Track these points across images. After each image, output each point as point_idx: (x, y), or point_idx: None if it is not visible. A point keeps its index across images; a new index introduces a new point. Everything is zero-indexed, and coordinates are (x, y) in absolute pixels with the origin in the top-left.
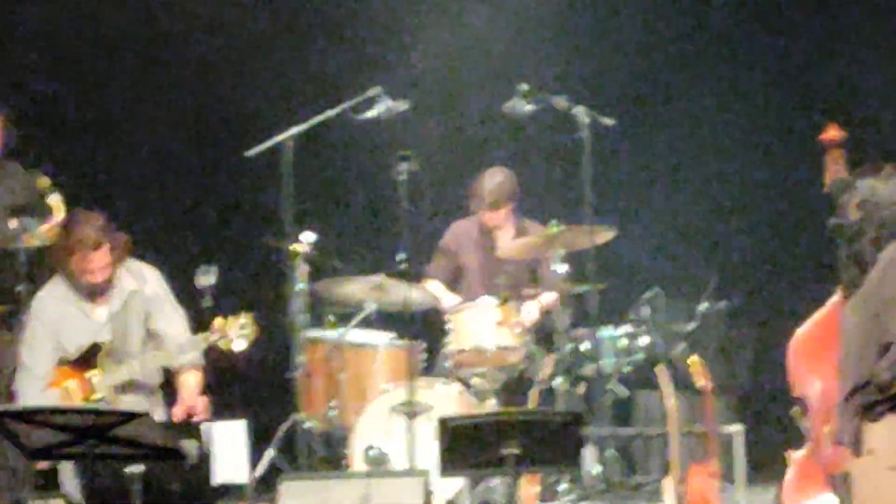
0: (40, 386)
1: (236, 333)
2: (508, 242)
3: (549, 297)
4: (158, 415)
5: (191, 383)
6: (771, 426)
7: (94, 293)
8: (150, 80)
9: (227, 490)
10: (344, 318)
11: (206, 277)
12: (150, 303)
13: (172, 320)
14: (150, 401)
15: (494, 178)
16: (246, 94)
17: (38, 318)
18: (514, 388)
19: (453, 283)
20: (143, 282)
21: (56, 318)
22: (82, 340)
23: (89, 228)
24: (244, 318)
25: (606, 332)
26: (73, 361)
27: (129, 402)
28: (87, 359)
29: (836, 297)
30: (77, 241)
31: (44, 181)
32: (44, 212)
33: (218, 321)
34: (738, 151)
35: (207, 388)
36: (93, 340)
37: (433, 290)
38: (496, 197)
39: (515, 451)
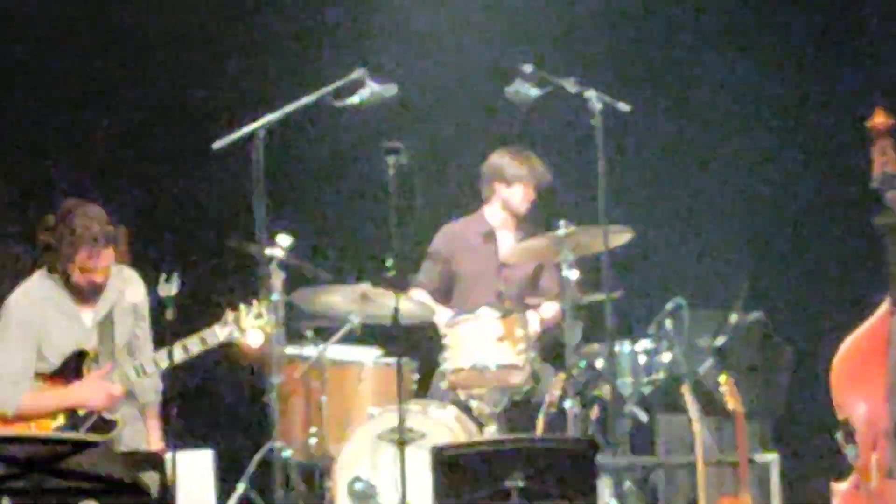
0: (12, 392)
1: (251, 324)
2: (511, 246)
3: (550, 309)
4: (140, 429)
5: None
6: (811, 454)
7: (86, 295)
8: (106, 62)
9: None
10: (325, 333)
11: (168, 286)
12: (138, 310)
13: (147, 337)
14: (140, 413)
15: (531, 156)
16: (213, 77)
17: (14, 318)
18: (519, 411)
19: (445, 293)
20: (133, 287)
21: (37, 320)
22: (67, 347)
23: (97, 223)
24: (258, 307)
25: (623, 347)
26: (52, 374)
27: (123, 415)
28: (71, 369)
29: (884, 307)
30: (88, 236)
31: None
32: None
33: (230, 313)
34: (773, 141)
35: (171, 413)
36: (78, 347)
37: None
38: (542, 174)
39: (520, 483)
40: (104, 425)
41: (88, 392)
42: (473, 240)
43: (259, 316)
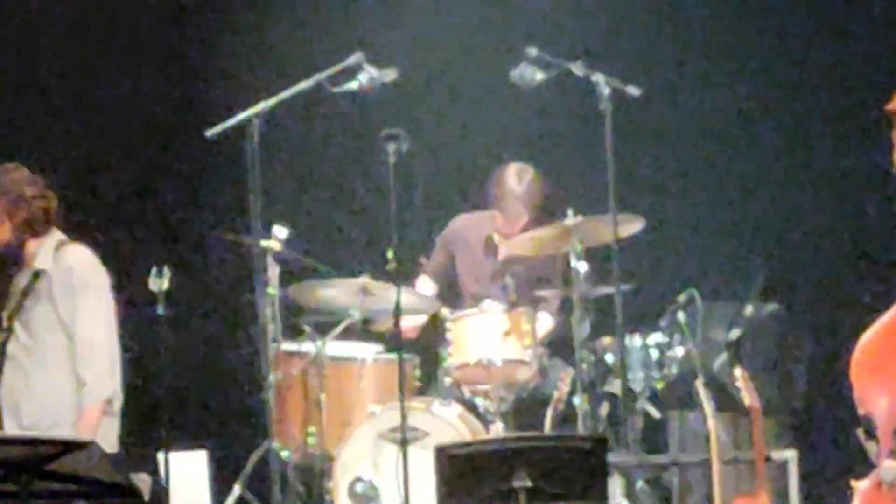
0: None
1: None
2: (516, 237)
3: (546, 323)
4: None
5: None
6: (830, 451)
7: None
8: (93, 46)
9: None
10: (323, 328)
11: (160, 280)
12: (65, 291)
13: (92, 326)
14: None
15: (523, 180)
16: (205, 62)
17: None
18: (526, 409)
19: (449, 282)
20: (63, 265)
21: None
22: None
23: None
24: None
25: (634, 341)
26: None
27: None
28: None
29: None
30: None
31: None
32: None
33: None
34: (790, 125)
35: (163, 412)
36: None
37: (422, 289)
38: (523, 203)
39: (527, 483)
40: None
41: None
42: (479, 234)
43: None
